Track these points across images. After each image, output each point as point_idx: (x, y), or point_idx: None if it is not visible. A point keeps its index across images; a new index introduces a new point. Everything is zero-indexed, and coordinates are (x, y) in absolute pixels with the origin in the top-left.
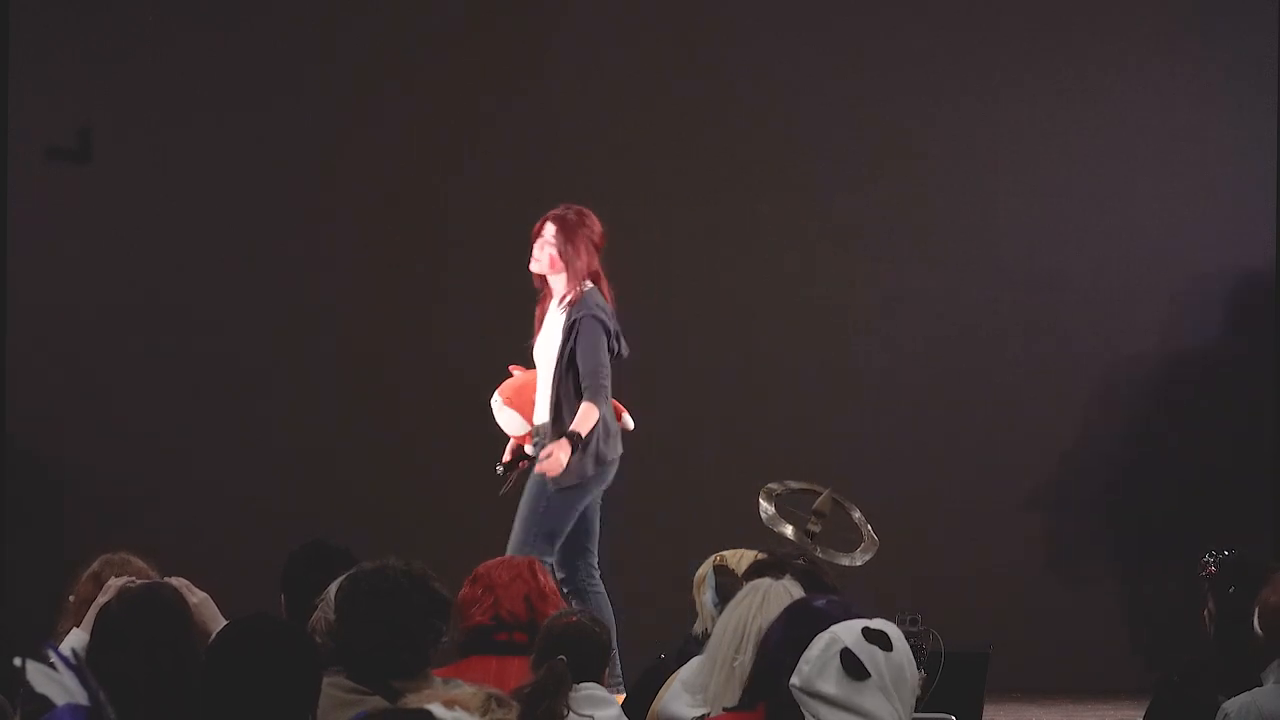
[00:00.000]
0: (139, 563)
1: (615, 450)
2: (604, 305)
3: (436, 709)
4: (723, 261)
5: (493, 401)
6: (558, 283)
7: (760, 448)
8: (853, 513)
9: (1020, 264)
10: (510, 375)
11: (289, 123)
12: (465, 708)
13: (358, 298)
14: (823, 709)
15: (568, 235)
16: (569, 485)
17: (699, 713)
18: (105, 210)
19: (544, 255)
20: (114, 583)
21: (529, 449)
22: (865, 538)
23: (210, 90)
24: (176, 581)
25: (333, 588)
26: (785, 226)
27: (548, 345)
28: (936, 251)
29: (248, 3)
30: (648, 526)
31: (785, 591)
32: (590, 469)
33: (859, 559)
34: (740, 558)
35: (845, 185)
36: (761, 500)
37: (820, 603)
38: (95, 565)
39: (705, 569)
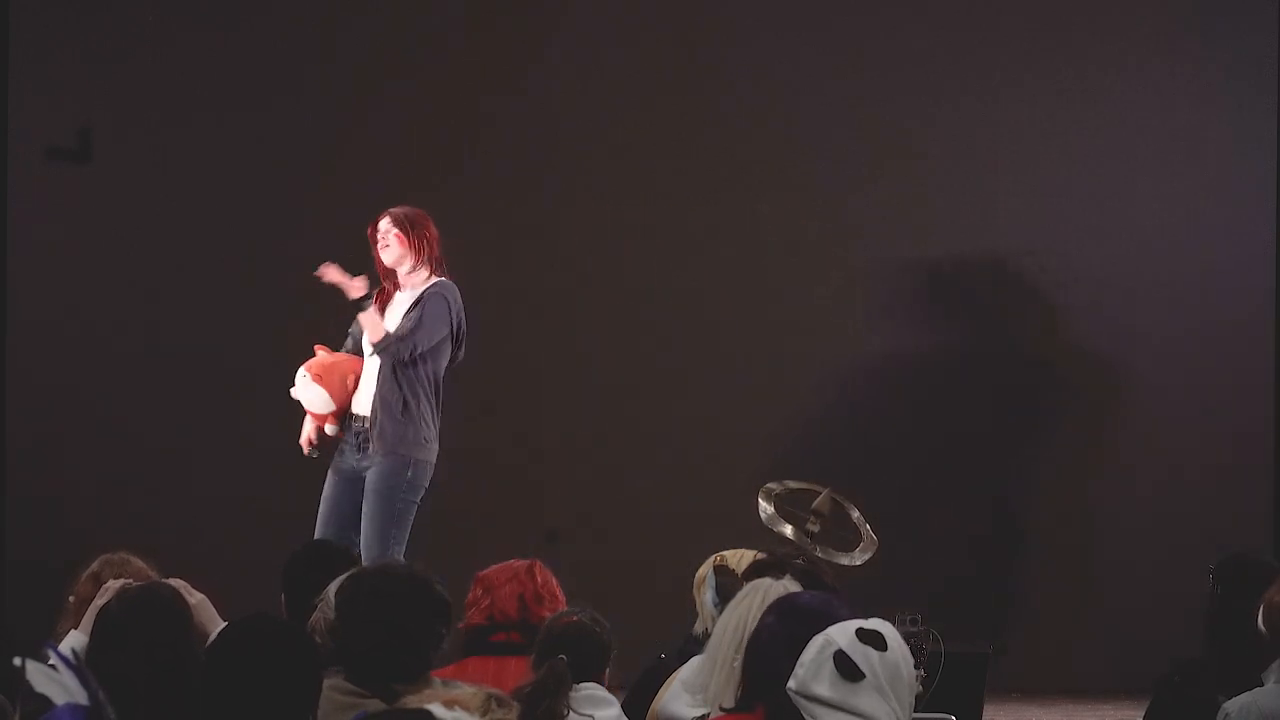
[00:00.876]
0: (139, 563)
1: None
2: (459, 301)
3: (436, 709)
4: (723, 261)
5: (299, 376)
6: (412, 269)
7: (759, 447)
8: (851, 512)
9: (1020, 263)
10: (315, 354)
11: (289, 123)
12: (465, 708)
13: None
14: (819, 711)
15: (411, 224)
16: (421, 488)
17: (699, 713)
18: (105, 210)
19: (392, 244)
20: (112, 584)
21: (329, 429)
22: (864, 537)
23: (210, 90)
24: (174, 583)
25: (332, 587)
26: (785, 226)
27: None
28: (936, 251)
29: (248, 3)
30: (648, 526)
31: (785, 591)
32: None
33: (858, 558)
34: (740, 558)
35: (845, 185)
36: (761, 500)
37: (806, 598)
38: (95, 565)
39: (705, 569)
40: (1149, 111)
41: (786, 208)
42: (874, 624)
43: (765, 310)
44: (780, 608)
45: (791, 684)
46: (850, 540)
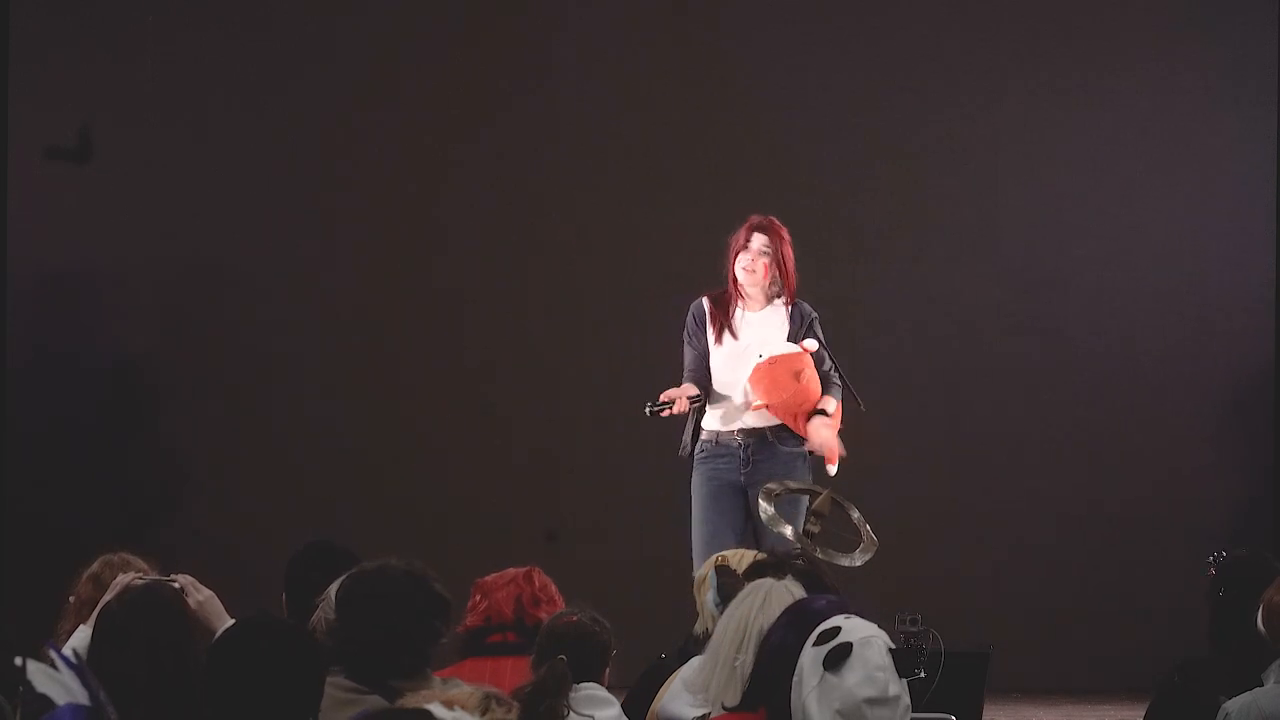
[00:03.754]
0: (139, 563)
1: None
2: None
3: (436, 709)
4: (724, 262)
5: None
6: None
7: None
8: (851, 513)
9: (1020, 264)
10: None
11: (290, 123)
12: (464, 707)
13: (360, 297)
14: (890, 713)
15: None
16: None
17: (699, 713)
18: (105, 210)
19: (759, 269)
20: (121, 579)
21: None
22: (864, 538)
23: (210, 90)
24: (182, 579)
25: (334, 587)
26: (786, 226)
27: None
28: (936, 251)
29: (248, 3)
30: (648, 526)
31: (787, 592)
32: None
33: (858, 559)
34: (741, 558)
35: (846, 185)
36: (761, 500)
37: (821, 604)
38: (95, 566)
39: (706, 569)
40: (1149, 111)
41: (787, 208)
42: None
43: None
44: (794, 612)
45: (871, 691)
46: (850, 541)
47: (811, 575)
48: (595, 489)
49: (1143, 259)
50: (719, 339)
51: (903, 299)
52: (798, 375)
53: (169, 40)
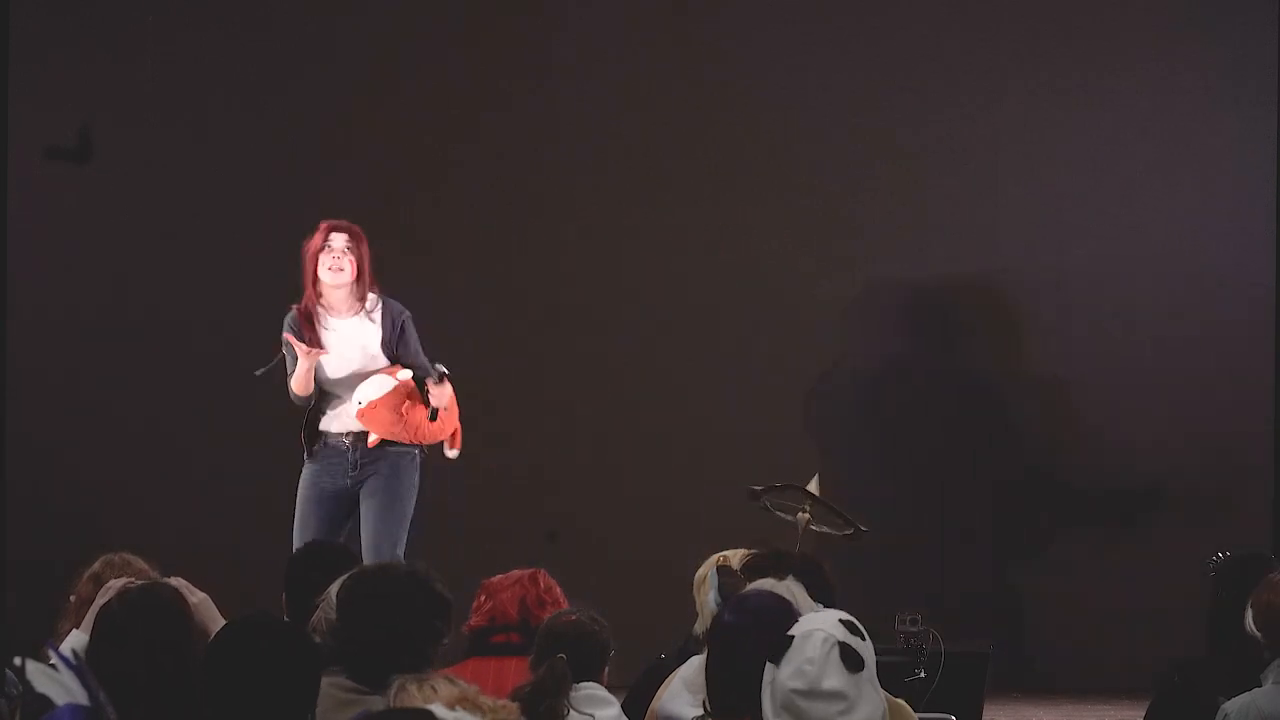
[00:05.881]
0: (139, 563)
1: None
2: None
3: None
4: (724, 262)
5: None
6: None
7: (761, 447)
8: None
9: (1020, 264)
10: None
11: (289, 123)
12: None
13: None
14: (826, 707)
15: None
16: None
17: (699, 712)
18: (105, 210)
19: (348, 266)
20: (114, 583)
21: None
22: (853, 522)
23: (210, 90)
24: (176, 581)
25: (334, 587)
26: (786, 229)
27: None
28: (936, 251)
29: (247, 3)
30: (648, 526)
31: (787, 592)
32: None
33: (855, 531)
34: (742, 557)
35: (845, 187)
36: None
37: (757, 596)
38: (95, 565)
39: (706, 569)
40: (1149, 111)
41: (786, 210)
42: (845, 614)
43: (765, 311)
44: (737, 607)
45: (798, 683)
46: (842, 521)
47: (813, 574)
48: (595, 489)
49: (1143, 259)
50: (318, 346)
51: (902, 300)
52: (397, 409)
53: (169, 40)
